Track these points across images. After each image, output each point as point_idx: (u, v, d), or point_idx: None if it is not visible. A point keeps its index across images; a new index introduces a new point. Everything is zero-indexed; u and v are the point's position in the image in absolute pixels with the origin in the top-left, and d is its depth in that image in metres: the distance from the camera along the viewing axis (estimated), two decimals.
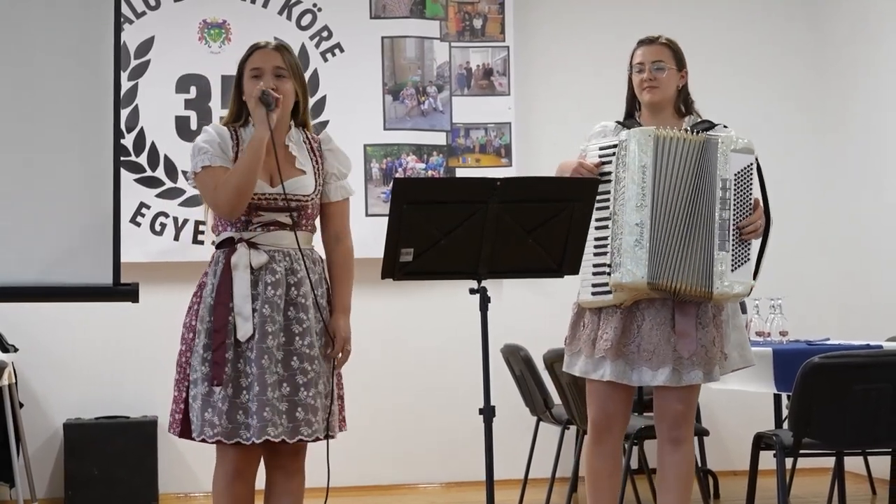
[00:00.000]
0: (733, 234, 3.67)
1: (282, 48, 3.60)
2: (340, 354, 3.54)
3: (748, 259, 3.68)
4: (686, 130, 3.77)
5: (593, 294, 3.73)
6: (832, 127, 7.12)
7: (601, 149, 3.80)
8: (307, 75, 6.67)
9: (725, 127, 3.88)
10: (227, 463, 3.45)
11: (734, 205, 3.67)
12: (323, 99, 6.71)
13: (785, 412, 4.95)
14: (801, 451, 4.31)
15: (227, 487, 3.46)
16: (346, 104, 6.74)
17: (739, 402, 6.58)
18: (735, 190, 3.68)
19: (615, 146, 3.75)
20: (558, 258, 3.38)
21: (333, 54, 6.76)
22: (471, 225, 3.24)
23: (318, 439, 3.46)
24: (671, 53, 3.90)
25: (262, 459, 3.57)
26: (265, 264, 3.44)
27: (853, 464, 6.12)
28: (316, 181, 3.57)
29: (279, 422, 3.37)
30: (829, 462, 5.44)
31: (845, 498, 4.97)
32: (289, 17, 6.73)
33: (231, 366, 3.39)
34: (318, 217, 3.63)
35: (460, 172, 6.80)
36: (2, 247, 3.07)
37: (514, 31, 6.93)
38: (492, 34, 6.93)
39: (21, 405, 6.06)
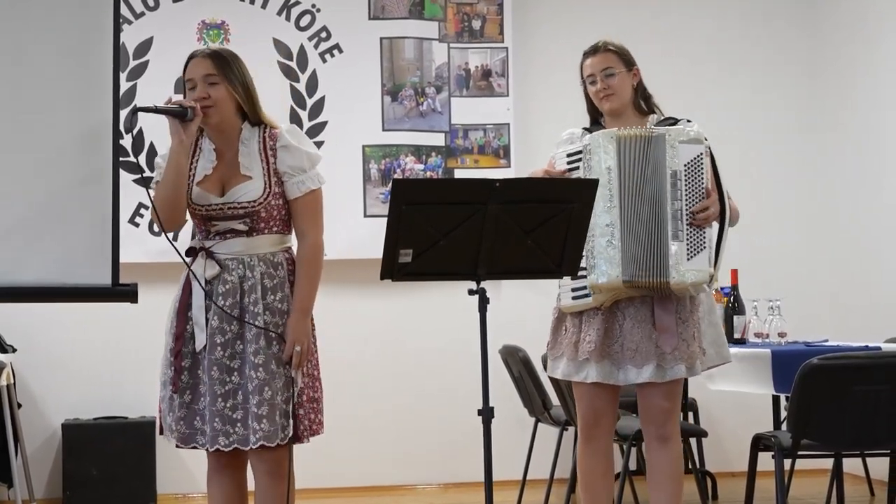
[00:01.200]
0: (687, 224, 3.70)
1: (214, 55, 3.58)
2: (293, 356, 3.47)
3: (704, 247, 3.71)
4: (647, 128, 3.84)
5: (573, 298, 3.79)
6: (831, 127, 7.12)
7: (568, 155, 3.86)
8: (306, 76, 6.71)
9: (689, 121, 3.92)
10: (212, 458, 3.58)
11: (685, 195, 3.70)
12: (322, 100, 6.71)
13: (783, 413, 4.96)
14: (800, 453, 4.31)
15: (213, 480, 3.61)
16: (344, 105, 6.74)
17: (738, 404, 6.58)
18: (686, 180, 3.71)
19: (580, 152, 3.82)
20: (557, 259, 3.38)
21: (332, 55, 6.76)
22: (470, 226, 3.24)
23: (263, 446, 3.41)
24: (617, 57, 3.95)
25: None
26: (217, 274, 3.48)
27: (852, 465, 6.12)
28: (266, 183, 3.52)
29: (232, 430, 3.43)
30: (828, 463, 5.44)
31: (844, 499, 4.97)
32: (287, 18, 6.73)
33: (189, 373, 3.49)
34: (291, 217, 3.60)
35: (459, 173, 6.81)
36: (0, 247, 3.07)
37: (512, 32, 6.93)
38: (490, 35, 6.93)
39: (19, 405, 6.05)
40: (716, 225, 3.78)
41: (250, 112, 3.58)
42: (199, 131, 3.58)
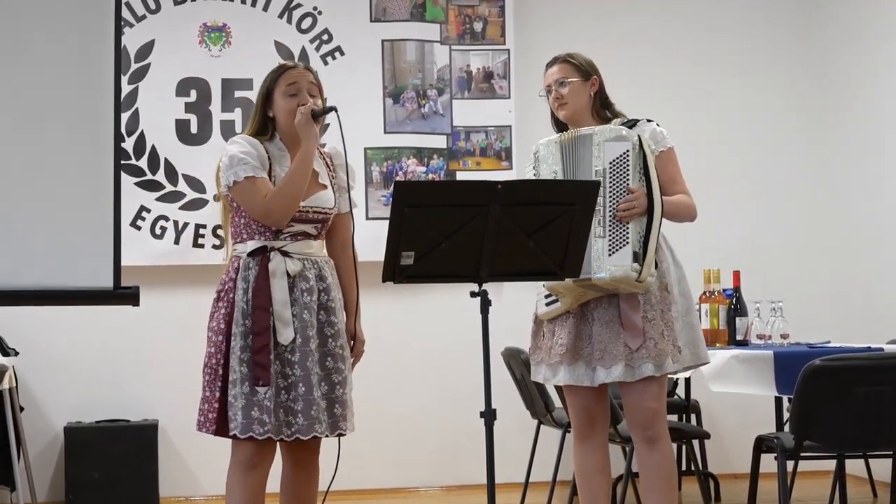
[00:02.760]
0: (609, 221, 3.74)
1: (311, 69, 3.87)
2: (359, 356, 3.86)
3: (626, 243, 3.73)
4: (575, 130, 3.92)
5: (546, 305, 3.91)
6: (832, 128, 7.12)
7: (528, 165, 4.02)
8: None
9: (649, 121, 3.99)
10: (243, 456, 3.62)
11: (608, 192, 3.75)
12: (323, 102, 6.70)
13: (786, 415, 4.95)
14: (803, 454, 4.32)
15: (242, 478, 3.64)
16: (346, 107, 6.67)
17: (740, 405, 6.57)
18: (610, 177, 3.76)
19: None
20: (559, 261, 3.38)
21: (334, 58, 6.76)
22: (471, 228, 3.24)
23: (341, 434, 3.71)
24: (572, 67, 4.03)
25: (275, 456, 3.75)
26: (299, 272, 3.67)
27: (854, 466, 6.12)
28: (334, 195, 3.80)
29: (323, 419, 3.63)
30: (831, 465, 5.43)
31: (846, 501, 4.97)
32: (289, 21, 6.73)
33: (271, 367, 3.60)
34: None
35: (461, 175, 6.81)
36: (1, 250, 3.07)
37: (514, 34, 6.93)
38: (492, 37, 6.93)
39: (21, 409, 6.05)
40: (644, 221, 3.78)
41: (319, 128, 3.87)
42: (270, 139, 3.79)
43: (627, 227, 3.74)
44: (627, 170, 3.77)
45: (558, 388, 5.14)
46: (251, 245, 3.69)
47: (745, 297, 5.46)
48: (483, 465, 3.31)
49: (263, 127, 3.80)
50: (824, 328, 6.39)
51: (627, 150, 3.78)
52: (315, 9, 6.76)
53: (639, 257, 3.73)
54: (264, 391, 3.54)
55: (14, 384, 5.89)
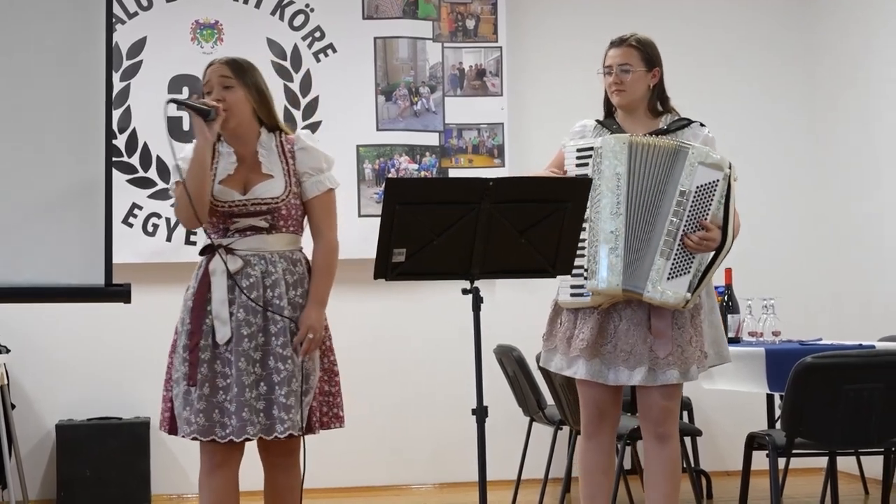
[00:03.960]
0: (678, 245, 3.67)
1: (231, 60, 3.69)
2: (304, 343, 3.58)
3: (687, 272, 3.67)
4: (659, 135, 3.79)
5: (571, 295, 3.77)
6: (824, 127, 7.13)
7: (578, 150, 3.81)
8: (300, 75, 6.70)
9: (702, 125, 3.91)
10: (206, 457, 3.58)
11: (687, 215, 3.67)
12: (315, 99, 6.71)
13: (778, 412, 4.96)
14: (794, 451, 4.32)
15: (206, 480, 3.61)
16: (338, 105, 6.74)
17: (732, 403, 6.58)
18: (693, 202, 3.67)
19: (591, 149, 3.77)
20: (551, 258, 3.38)
21: (326, 55, 6.75)
22: (463, 225, 3.24)
23: (291, 436, 3.52)
24: (639, 55, 3.89)
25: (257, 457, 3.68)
26: (240, 269, 3.57)
27: (846, 464, 6.13)
28: (286, 183, 3.65)
29: (256, 420, 3.49)
30: (822, 462, 5.45)
31: (838, 498, 4.97)
32: (281, 18, 6.73)
33: (208, 367, 3.53)
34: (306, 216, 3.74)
35: (453, 173, 6.81)
36: None
37: (506, 31, 6.93)
38: (484, 35, 6.93)
39: (13, 406, 6.04)
40: (710, 255, 3.73)
41: (266, 117, 3.70)
42: (217, 136, 3.66)
43: (693, 258, 3.68)
44: (712, 199, 3.68)
45: (549, 383, 5.14)
46: (203, 243, 3.68)
47: (736, 294, 5.47)
48: (475, 463, 3.31)
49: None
50: (816, 326, 6.41)
51: (718, 181, 3.68)
52: (307, 6, 6.75)
53: (692, 287, 3.68)
54: (194, 391, 3.51)
55: (5, 382, 5.89)
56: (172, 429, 3.59)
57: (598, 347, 3.77)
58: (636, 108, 3.91)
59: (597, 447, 3.90)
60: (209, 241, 3.63)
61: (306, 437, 3.60)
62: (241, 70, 3.66)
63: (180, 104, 3.64)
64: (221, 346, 3.53)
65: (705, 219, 3.68)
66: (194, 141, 3.61)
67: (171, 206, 3.88)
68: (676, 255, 3.67)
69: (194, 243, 6.40)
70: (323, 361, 3.73)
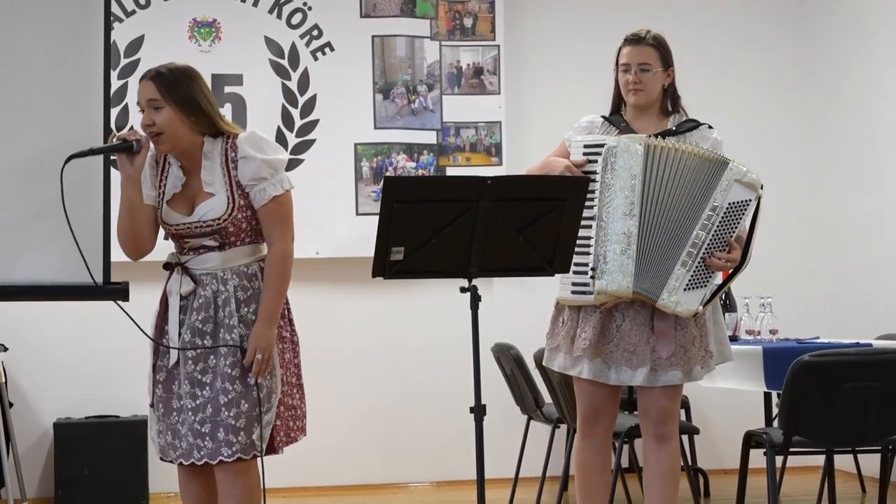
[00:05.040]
0: (701, 257, 3.66)
1: (157, 76, 3.44)
2: (254, 364, 3.39)
3: (704, 285, 3.66)
4: (669, 136, 3.78)
5: (573, 293, 3.73)
6: (823, 126, 7.13)
7: (586, 146, 3.77)
8: (297, 74, 6.70)
9: (710, 127, 3.90)
10: (179, 475, 3.59)
11: (715, 230, 3.66)
12: (313, 98, 6.71)
13: (775, 410, 4.96)
14: (792, 450, 4.32)
15: (184, 489, 3.60)
16: (336, 103, 6.73)
17: (729, 401, 6.59)
18: (723, 217, 3.66)
19: (600, 146, 3.73)
20: (549, 256, 3.38)
21: (324, 53, 6.75)
22: (461, 223, 3.24)
23: (241, 459, 3.37)
24: (658, 54, 3.86)
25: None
26: (192, 290, 3.47)
27: (843, 462, 6.13)
28: (229, 198, 3.44)
29: (202, 444, 3.39)
30: (820, 460, 5.45)
31: (835, 496, 4.97)
32: (279, 16, 6.73)
33: (163, 387, 3.51)
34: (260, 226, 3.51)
35: (451, 171, 6.80)
36: None
37: (504, 30, 6.93)
38: (482, 33, 6.93)
39: (11, 404, 6.04)
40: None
41: (207, 128, 3.46)
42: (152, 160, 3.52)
43: (712, 274, 3.68)
44: (741, 218, 3.67)
45: (548, 382, 5.14)
46: (165, 260, 3.60)
47: (734, 292, 5.47)
48: (473, 461, 3.31)
49: None
50: (813, 324, 6.41)
51: (750, 200, 3.67)
52: (305, 4, 6.75)
53: (704, 301, 3.68)
54: (152, 412, 3.54)
55: (3, 380, 5.88)
56: None
57: (600, 347, 3.75)
58: (649, 108, 3.88)
59: (593, 446, 3.89)
60: (169, 258, 3.57)
61: (270, 456, 3.46)
62: (168, 86, 3.41)
63: (86, 155, 3.20)
64: (171, 367, 3.49)
65: (731, 237, 3.67)
66: (153, 156, 3.49)
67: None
68: (696, 268, 3.65)
69: None
70: (288, 376, 3.52)
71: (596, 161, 3.72)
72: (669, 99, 3.92)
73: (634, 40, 3.86)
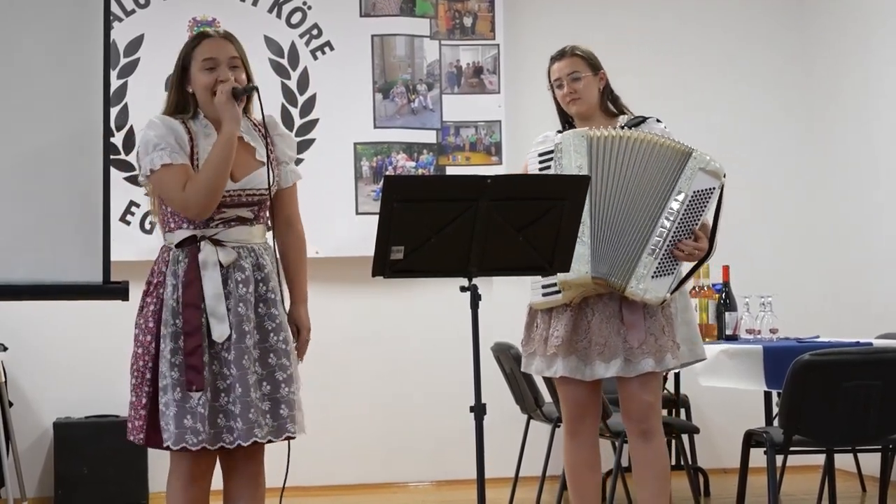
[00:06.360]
0: (667, 245, 3.71)
1: (233, 37, 3.44)
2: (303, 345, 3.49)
3: (671, 273, 3.72)
4: (621, 128, 3.85)
5: (543, 295, 3.83)
6: (822, 126, 7.13)
7: (539, 155, 3.88)
8: (297, 73, 6.70)
9: (658, 121, 3.97)
10: (184, 467, 3.35)
11: (680, 219, 3.71)
12: (313, 97, 6.71)
13: (775, 409, 4.96)
14: (792, 449, 4.32)
15: (181, 493, 3.37)
16: (336, 102, 6.73)
17: (729, 400, 6.58)
18: (688, 206, 3.72)
19: (551, 152, 3.84)
20: (549, 255, 3.38)
21: (323, 52, 6.75)
22: (461, 223, 3.24)
23: (290, 437, 3.36)
24: (583, 62, 3.98)
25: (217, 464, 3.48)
26: (234, 262, 3.34)
27: (843, 461, 6.13)
28: (273, 172, 3.42)
29: (264, 422, 3.29)
30: (820, 459, 5.45)
31: (836, 495, 4.98)
32: (279, 15, 6.72)
33: (206, 369, 3.26)
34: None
35: (450, 170, 6.80)
36: None
37: (504, 29, 6.93)
38: (482, 32, 6.93)
39: (11, 404, 6.04)
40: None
41: (249, 100, 3.48)
42: (193, 116, 3.42)
43: (678, 263, 3.74)
44: (705, 206, 3.74)
45: (548, 382, 5.15)
46: (179, 235, 3.36)
47: (734, 291, 5.47)
48: (473, 460, 3.31)
49: (183, 104, 3.41)
50: (813, 323, 6.40)
51: (714, 188, 3.74)
52: (304, 3, 6.75)
53: (671, 289, 3.73)
54: (198, 397, 3.22)
55: (3, 379, 5.89)
56: (150, 438, 3.29)
57: (573, 344, 3.82)
58: (592, 114, 3.99)
59: (581, 444, 3.97)
60: (186, 232, 3.35)
61: (269, 456, 3.45)
62: (242, 49, 3.43)
63: (247, 91, 3.35)
64: (217, 345, 3.27)
65: (696, 225, 3.74)
66: (165, 119, 3.38)
67: (147, 194, 3.52)
68: (663, 256, 3.72)
69: None
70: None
71: (549, 167, 3.83)
72: (609, 100, 4.02)
73: (559, 55, 4.03)
